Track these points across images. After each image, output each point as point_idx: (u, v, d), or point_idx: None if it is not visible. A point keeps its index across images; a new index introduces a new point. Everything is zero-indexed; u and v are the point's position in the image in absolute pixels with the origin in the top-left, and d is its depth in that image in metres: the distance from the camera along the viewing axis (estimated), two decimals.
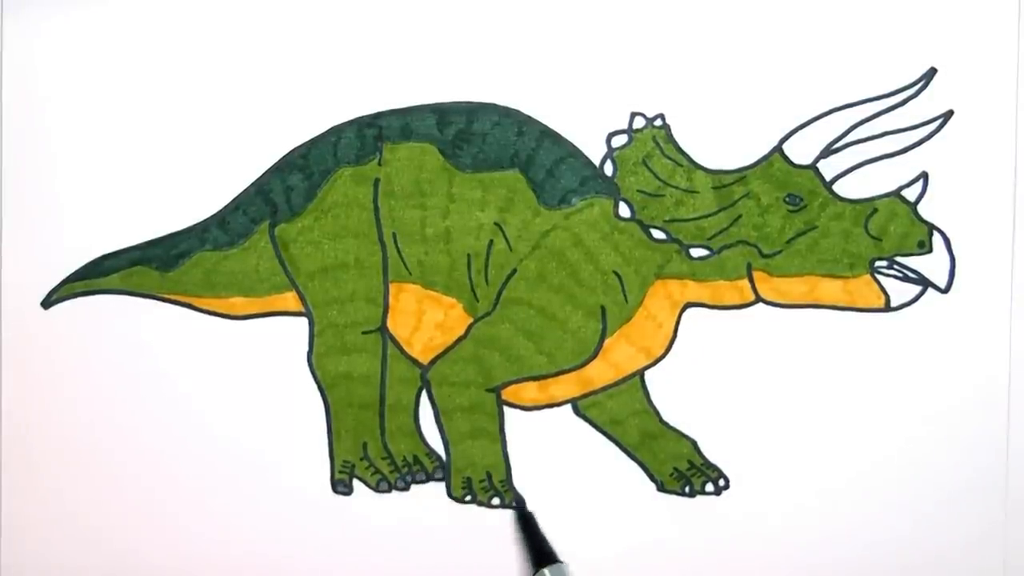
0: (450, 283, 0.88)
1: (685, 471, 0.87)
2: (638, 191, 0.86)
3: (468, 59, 0.88)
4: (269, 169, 0.90)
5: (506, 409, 0.89)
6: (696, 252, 0.85)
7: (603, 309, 0.86)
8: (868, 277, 0.84)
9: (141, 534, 0.93)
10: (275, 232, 0.90)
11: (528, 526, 0.87)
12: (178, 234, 0.91)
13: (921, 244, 0.83)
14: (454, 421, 0.89)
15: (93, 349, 0.92)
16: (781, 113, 0.85)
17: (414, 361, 0.89)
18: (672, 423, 0.87)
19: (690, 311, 0.86)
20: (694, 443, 0.87)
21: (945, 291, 0.84)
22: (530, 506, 0.89)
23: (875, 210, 0.83)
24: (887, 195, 0.84)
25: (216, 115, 0.90)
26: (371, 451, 0.90)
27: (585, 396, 0.88)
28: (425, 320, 0.89)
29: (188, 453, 0.92)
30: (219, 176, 0.90)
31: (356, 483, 0.90)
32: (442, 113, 0.88)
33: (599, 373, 0.87)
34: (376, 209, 0.89)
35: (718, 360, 0.86)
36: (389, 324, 0.89)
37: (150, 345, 0.92)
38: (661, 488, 0.88)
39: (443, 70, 0.88)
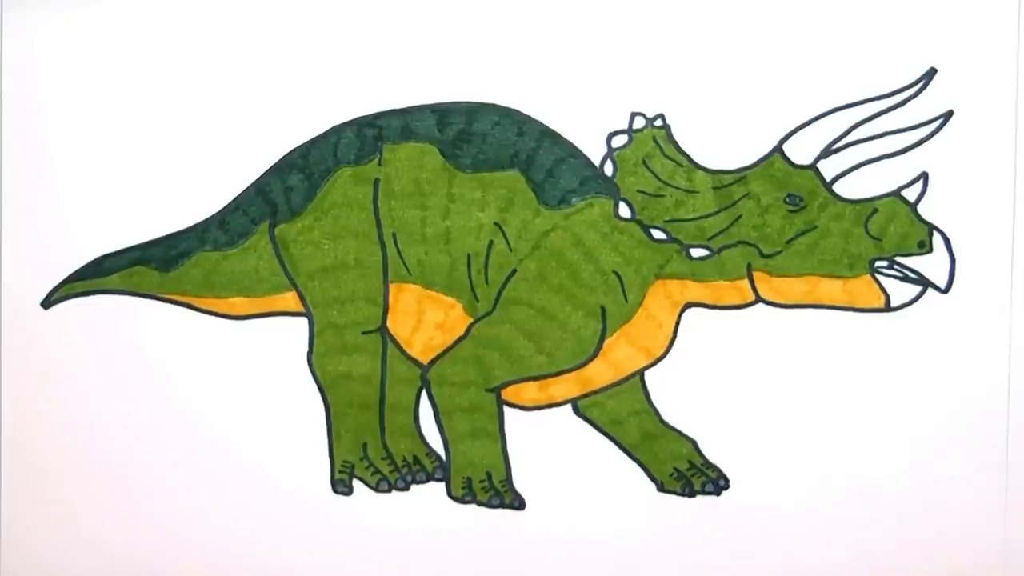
0: (450, 283, 0.88)
1: (685, 471, 0.87)
2: (638, 191, 0.86)
3: (468, 59, 0.88)
4: (269, 169, 0.90)
5: (506, 409, 0.88)
6: (696, 252, 0.85)
7: (603, 309, 0.86)
8: (868, 277, 0.84)
9: (141, 534, 0.93)
10: (275, 232, 0.90)
11: None
12: (178, 234, 0.91)
13: (921, 244, 0.83)
14: (454, 421, 0.89)
15: (93, 349, 0.92)
16: (781, 113, 0.85)
17: (414, 361, 0.89)
18: (672, 423, 0.87)
19: (690, 311, 0.86)
20: (694, 443, 0.87)
21: (945, 291, 0.84)
22: (530, 506, 0.89)
23: (875, 210, 0.83)
24: (887, 195, 0.83)
25: (216, 115, 0.90)
26: (371, 451, 0.90)
27: (585, 396, 0.88)
28: (425, 320, 0.89)
29: (188, 453, 0.92)
30: (219, 176, 0.90)
31: (356, 483, 0.90)
32: (442, 113, 0.88)
33: (599, 373, 0.87)
34: (376, 209, 0.88)
35: (718, 360, 0.86)
36: (389, 324, 0.89)
37: (150, 345, 0.92)
38: (661, 488, 0.88)
39: (443, 70, 0.88)
